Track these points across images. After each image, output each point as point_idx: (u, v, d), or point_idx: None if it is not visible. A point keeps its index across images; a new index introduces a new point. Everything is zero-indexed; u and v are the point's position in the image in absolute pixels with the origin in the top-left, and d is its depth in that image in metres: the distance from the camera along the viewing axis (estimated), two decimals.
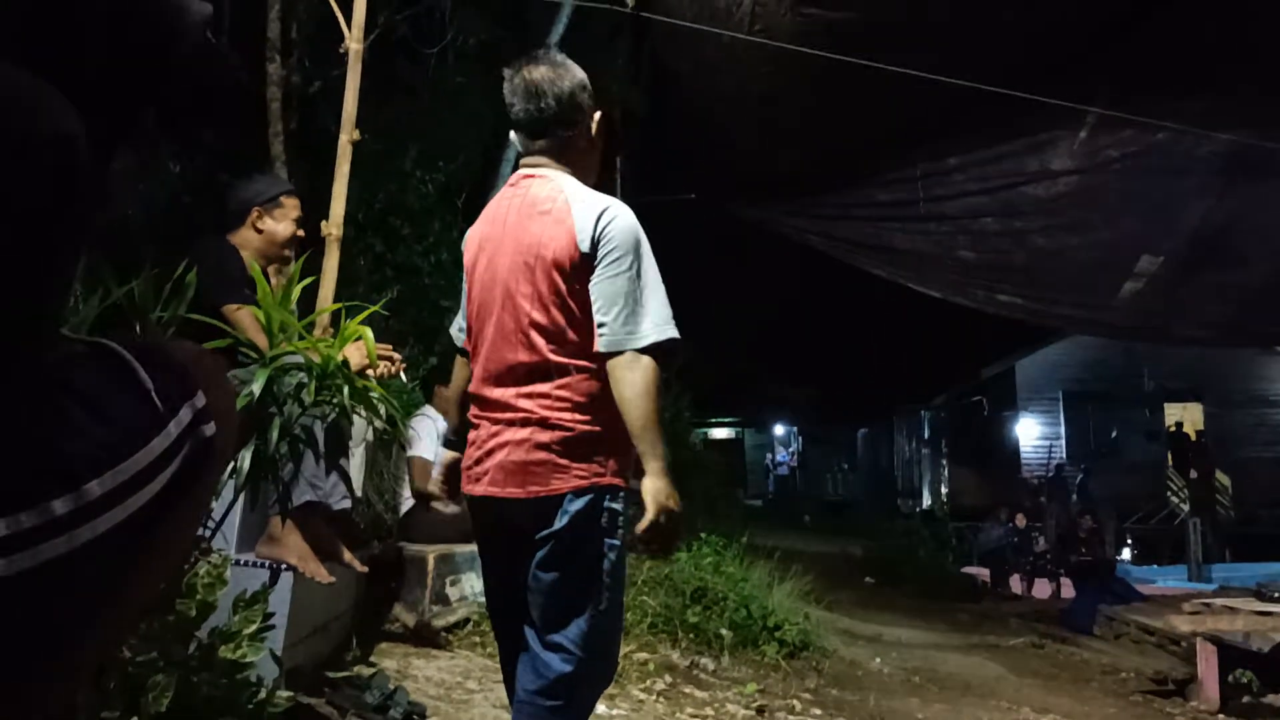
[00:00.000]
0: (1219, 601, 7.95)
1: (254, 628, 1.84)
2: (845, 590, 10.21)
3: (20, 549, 0.62)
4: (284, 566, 2.73)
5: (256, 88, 5.49)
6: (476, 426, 2.04)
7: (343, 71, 3.55)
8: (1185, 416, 18.27)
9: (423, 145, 7.69)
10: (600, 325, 1.88)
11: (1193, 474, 16.18)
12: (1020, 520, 13.41)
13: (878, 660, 6.37)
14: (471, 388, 2.08)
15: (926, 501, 22.70)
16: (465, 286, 2.16)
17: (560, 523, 1.91)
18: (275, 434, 1.80)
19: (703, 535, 6.66)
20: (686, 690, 4.24)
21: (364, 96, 3.69)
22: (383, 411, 1.96)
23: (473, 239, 2.14)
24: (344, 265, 3.52)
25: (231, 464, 1.73)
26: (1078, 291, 6.88)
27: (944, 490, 22.26)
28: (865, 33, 5.01)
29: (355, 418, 1.96)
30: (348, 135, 3.45)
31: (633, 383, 1.85)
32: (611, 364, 1.87)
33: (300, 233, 3.07)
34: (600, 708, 3.51)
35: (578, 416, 1.92)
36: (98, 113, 0.72)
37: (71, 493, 0.65)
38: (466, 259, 2.14)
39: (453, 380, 2.32)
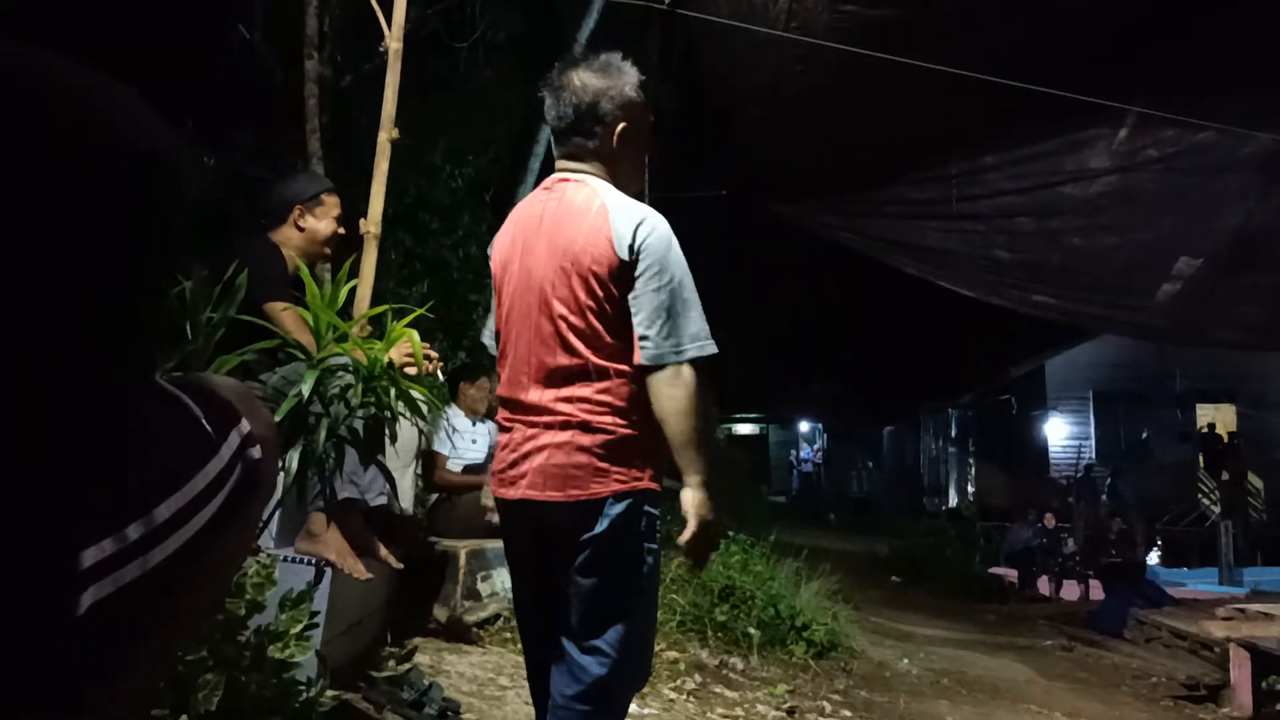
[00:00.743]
0: (1253, 607, 7.85)
1: (300, 627, 1.85)
2: (872, 589, 10.17)
3: (104, 575, 0.63)
4: (324, 563, 2.74)
5: (292, 83, 5.52)
6: (508, 430, 2.03)
7: (375, 66, 3.57)
8: (1217, 417, 18.00)
9: (452, 140, 7.72)
10: (643, 338, 1.88)
11: (1224, 476, 15.94)
12: (1049, 521, 13.28)
13: (906, 661, 6.34)
14: (501, 391, 2.06)
15: (953, 501, 22.52)
16: (495, 292, 2.14)
17: (601, 527, 1.90)
18: (323, 434, 1.81)
19: (730, 533, 6.65)
20: (716, 690, 4.24)
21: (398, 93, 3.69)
22: (426, 412, 1.97)
23: (502, 242, 2.11)
24: (376, 261, 3.53)
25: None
26: (1113, 293, 6.79)
27: (970, 490, 22.08)
28: (902, 30, 4.96)
29: (410, 429, 1.96)
30: (386, 134, 3.46)
31: (674, 398, 1.86)
32: (652, 379, 1.88)
33: (341, 230, 3.08)
34: (632, 707, 3.51)
35: (618, 420, 1.92)
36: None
37: (143, 518, 0.66)
38: (495, 262, 2.12)
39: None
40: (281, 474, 1.80)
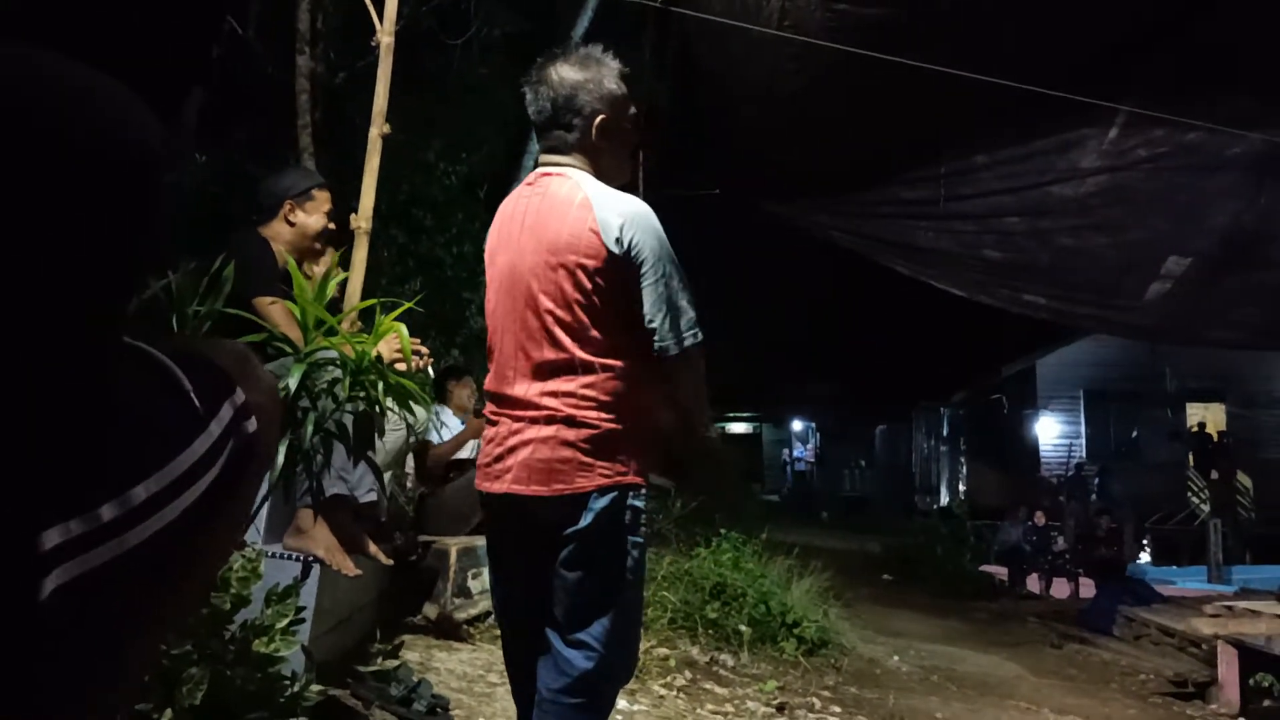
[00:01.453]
0: (1241, 604, 7.90)
1: (286, 621, 1.85)
2: (863, 587, 10.20)
3: (71, 557, 0.61)
4: (312, 559, 2.74)
5: (283, 79, 5.52)
6: (495, 424, 2.04)
7: (368, 63, 3.56)
8: (1207, 417, 18.06)
9: (446, 137, 7.72)
10: (651, 330, 1.91)
11: (1214, 475, 16.00)
12: (1039, 519, 13.33)
13: (896, 658, 6.36)
14: (488, 385, 2.07)
15: (944, 499, 22.58)
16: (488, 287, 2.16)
17: (585, 521, 1.91)
18: (310, 429, 1.81)
19: (722, 531, 6.67)
20: (706, 686, 4.25)
21: (389, 88, 3.69)
22: (416, 409, 1.97)
23: (491, 238, 2.14)
24: (367, 257, 3.52)
25: None
26: (1104, 292, 6.82)
27: (962, 488, 22.13)
28: (895, 30, 4.97)
29: (394, 433, 1.96)
30: (378, 129, 3.45)
31: (686, 382, 1.97)
32: (668, 368, 1.94)
33: (332, 225, 3.08)
34: (621, 703, 3.53)
35: (603, 415, 1.92)
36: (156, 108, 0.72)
37: (118, 498, 0.64)
38: (486, 259, 2.14)
39: None
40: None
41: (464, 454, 4.84)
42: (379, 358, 2.00)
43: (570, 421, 1.91)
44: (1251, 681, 6.72)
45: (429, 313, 6.83)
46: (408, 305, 2.07)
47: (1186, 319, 7.03)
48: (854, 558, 13.15)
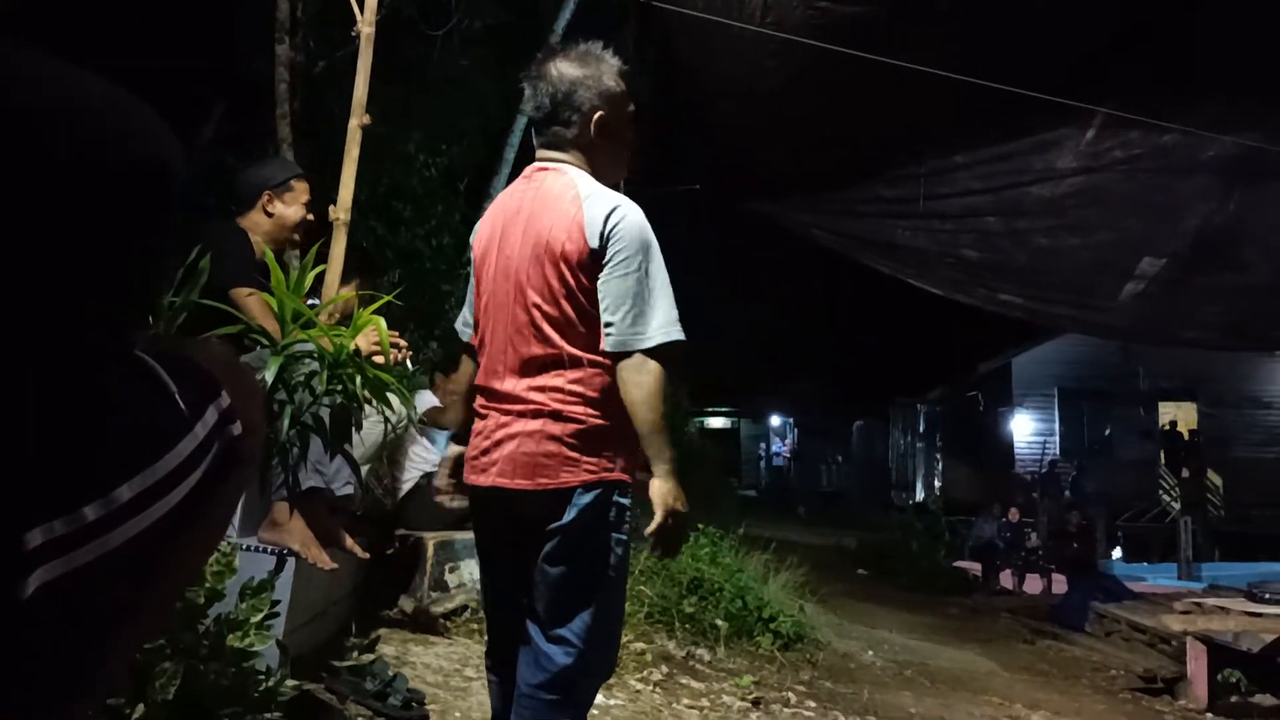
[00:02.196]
0: (1210, 601, 8.02)
1: (260, 616, 1.84)
2: (839, 582, 10.26)
3: (54, 556, 0.61)
4: (288, 553, 2.73)
5: (262, 69, 5.46)
6: (483, 417, 2.04)
7: (347, 53, 3.53)
8: (1179, 415, 18.32)
9: (426, 129, 7.67)
10: (607, 325, 1.88)
11: (1185, 473, 16.24)
12: (1013, 515, 13.48)
13: (870, 653, 6.41)
14: (478, 379, 2.07)
15: (920, 495, 22.77)
16: (473, 280, 2.14)
17: (569, 516, 1.91)
18: (286, 422, 1.80)
19: (700, 526, 6.68)
20: (683, 681, 4.26)
21: (369, 79, 3.67)
22: (394, 402, 1.96)
23: (482, 232, 2.12)
24: (346, 248, 3.50)
25: None
26: (1079, 292, 6.90)
27: (938, 484, 22.34)
28: (876, 27, 4.99)
29: (373, 426, 1.95)
30: (357, 120, 3.42)
31: (640, 384, 1.86)
32: (620, 366, 1.88)
33: (310, 217, 3.06)
34: (598, 698, 3.53)
35: (589, 410, 1.92)
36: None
37: (102, 498, 0.65)
38: (475, 252, 2.12)
39: (459, 375, 2.30)
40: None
41: None
42: (357, 351, 1.99)
43: (556, 416, 1.91)
44: (1220, 677, 6.84)
45: (408, 305, 6.79)
46: (387, 298, 2.06)
47: (1160, 319, 7.12)
48: (830, 553, 13.24)
